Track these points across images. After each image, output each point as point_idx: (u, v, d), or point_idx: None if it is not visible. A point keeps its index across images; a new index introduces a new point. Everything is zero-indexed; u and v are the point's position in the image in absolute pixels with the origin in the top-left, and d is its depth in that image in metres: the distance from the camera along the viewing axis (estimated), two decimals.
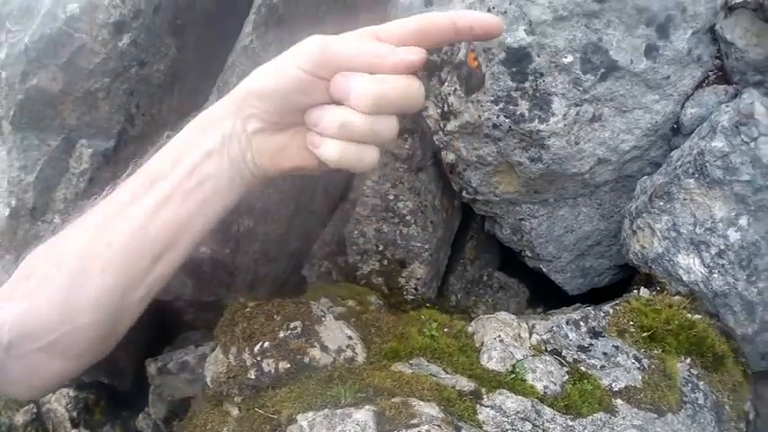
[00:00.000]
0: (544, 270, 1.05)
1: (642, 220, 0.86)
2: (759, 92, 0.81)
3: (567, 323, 0.81)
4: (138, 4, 0.86)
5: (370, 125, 0.54)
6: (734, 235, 0.77)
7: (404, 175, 1.08)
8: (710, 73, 0.86)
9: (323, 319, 0.70)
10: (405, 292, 1.11)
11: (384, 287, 1.13)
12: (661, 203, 0.83)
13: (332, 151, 0.56)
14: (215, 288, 1.02)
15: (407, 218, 1.09)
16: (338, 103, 0.56)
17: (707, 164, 0.77)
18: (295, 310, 0.69)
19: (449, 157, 0.97)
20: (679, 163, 0.82)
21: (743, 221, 0.77)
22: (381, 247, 1.11)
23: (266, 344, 0.64)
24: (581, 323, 0.81)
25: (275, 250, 1.12)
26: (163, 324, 1.12)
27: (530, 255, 1.06)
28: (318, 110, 0.57)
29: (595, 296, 1.06)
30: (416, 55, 0.54)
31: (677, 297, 0.82)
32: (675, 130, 0.88)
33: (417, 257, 1.10)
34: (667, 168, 0.84)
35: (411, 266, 1.10)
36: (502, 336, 0.78)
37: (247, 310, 0.69)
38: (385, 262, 1.12)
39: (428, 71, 0.91)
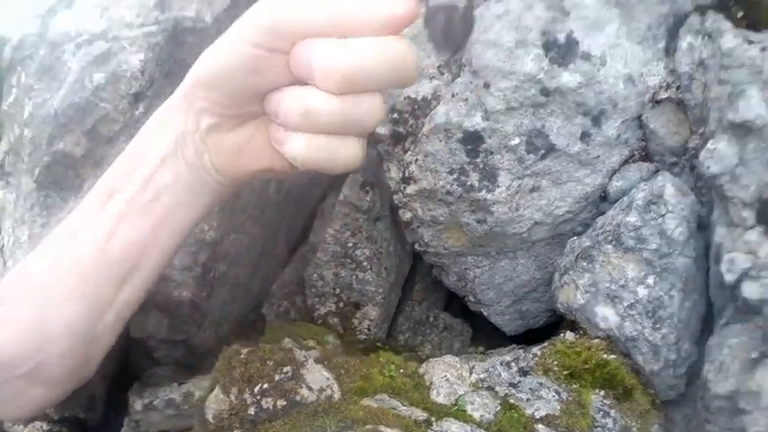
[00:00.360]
0: (485, 313, 1.27)
1: (568, 276, 1.09)
2: (673, 172, 1.05)
3: (501, 364, 1.02)
4: (153, 74, 0.99)
5: (343, 110, 0.45)
6: (642, 291, 1.00)
7: (363, 225, 1.28)
8: (635, 152, 1.09)
9: (305, 363, 0.89)
10: (358, 333, 1.31)
11: (339, 327, 1.32)
12: (584, 263, 1.06)
13: (298, 148, 0.48)
14: (188, 327, 1.19)
15: (364, 264, 1.29)
16: (303, 82, 0.47)
17: (622, 234, 1.01)
18: (283, 356, 0.88)
19: (406, 215, 1.18)
20: (601, 230, 1.05)
21: (650, 281, 1.00)
22: (338, 291, 1.31)
23: (265, 385, 0.83)
24: (512, 364, 1.02)
25: (241, 291, 1.30)
26: (131, 359, 1.27)
27: (473, 299, 1.28)
28: (278, 94, 0.49)
29: (532, 334, 1.29)
30: (404, 7, 0.44)
31: (596, 340, 1.04)
32: (603, 198, 1.12)
33: (371, 300, 1.30)
34: (591, 233, 1.08)
35: (365, 309, 1.30)
36: (447, 375, 0.99)
37: (242, 356, 0.87)
38: (341, 304, 1.32)
39: (394, 140, 1.12)
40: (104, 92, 0.98)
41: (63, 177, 1.02)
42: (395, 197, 1.17)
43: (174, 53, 1.04)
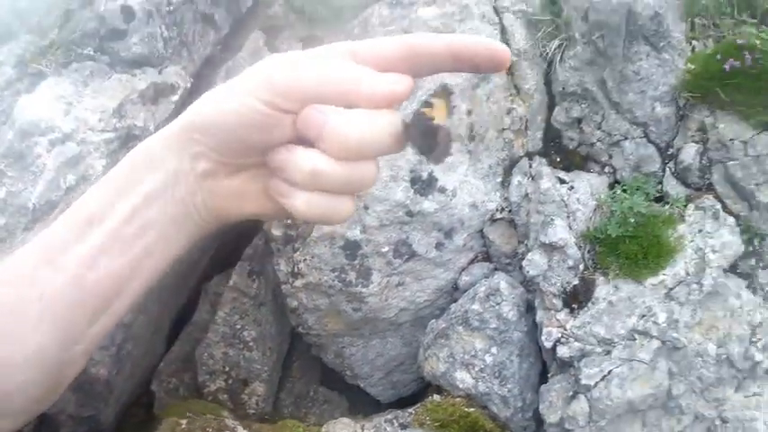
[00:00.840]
0: (361, 385, 1.69)
1: (431, 351, 1.55)
2: (507, 270, 1.53)
3: (386, 421, 1.43)
4: None
5: (346, 174, 0.53)
6: (489, 358, 1.46)
7: (249, 309, 1.66)
8: (479, 255, 1.56)
9: (236, 429, 1.28)
10: (247, 407, 1.65)
11: (229, 402, 1.65)
12: (442, 340, 1.52)
13: (301, 204, 0.55)
14: (97, 403, 1.46)
15: (251, 344, 1.66)
16: (305, 141, 0.54)
17: (469, 318, 1.48)
18: (218, 424, 1.26)
19: (293, 303, 1.59)
20: (454, 315, 1.52)
21: (494, 350, 1.46)
22: (227, 368, 1.66)
23: None
24: (394, 421, 1.44)
25: (138, 368, 1.61)
26: None
27: (349, 374, 1.70)
28: (284, 152, 0.55)
29: (402, 401, 1.72)
30: (402, 85, 0.52)
31: (458, 398, 1.46)
32: (455, 289, 1.57)
33: (258, 377, 1.66)
34: (447, 317, 1.54)
35: (252, 385, 1.66)
36: None
37: (183, 426, 1.25)
38: (230, 381, 1.66)
39: (285, 241, 1.55)
40: (74, 192, 1.31)
41: None
42: (283, 287, 1.58)
43: (122, 156, 1.35)
